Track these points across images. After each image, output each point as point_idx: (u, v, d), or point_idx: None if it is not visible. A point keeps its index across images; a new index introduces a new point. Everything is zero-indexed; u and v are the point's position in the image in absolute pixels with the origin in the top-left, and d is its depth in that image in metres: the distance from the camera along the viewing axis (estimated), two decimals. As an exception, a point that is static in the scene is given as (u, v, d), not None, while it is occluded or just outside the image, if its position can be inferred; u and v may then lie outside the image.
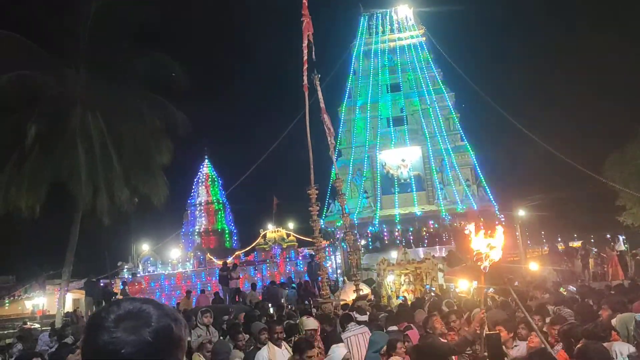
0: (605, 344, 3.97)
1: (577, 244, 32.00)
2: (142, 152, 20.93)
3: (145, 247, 32.11)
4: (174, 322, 1.30)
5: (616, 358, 3.61)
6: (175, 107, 21.57)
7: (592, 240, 31.19)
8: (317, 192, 12.42)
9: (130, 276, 26.76)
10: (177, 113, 21.64)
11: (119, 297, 23.07)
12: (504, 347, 5.94)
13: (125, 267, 28.69)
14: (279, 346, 6.65)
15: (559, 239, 37.02)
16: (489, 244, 5.82)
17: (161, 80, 20.53)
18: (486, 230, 6.02)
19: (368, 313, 9.80)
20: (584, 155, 27.63)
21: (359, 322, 8.44)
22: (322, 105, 15.60)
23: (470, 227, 6.07)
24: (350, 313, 9.35)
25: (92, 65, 20.07)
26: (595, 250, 25.98)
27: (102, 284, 25.30)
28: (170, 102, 21.19)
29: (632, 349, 3.76)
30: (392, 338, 6.12)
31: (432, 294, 14.33)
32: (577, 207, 32.26)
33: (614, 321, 4.95)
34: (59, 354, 7.17)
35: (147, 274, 28.43)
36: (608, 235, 32.64)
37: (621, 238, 30.73)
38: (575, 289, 6.24)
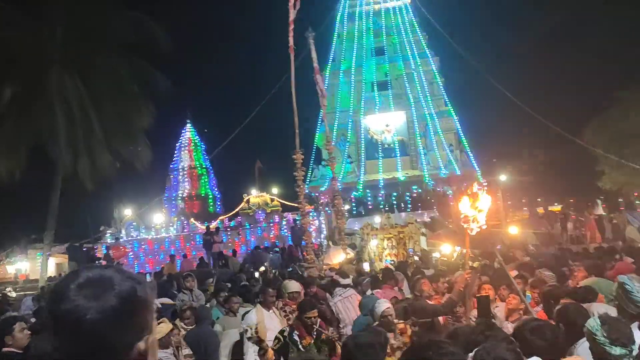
0: (585, 305, 4.07)
1: (556, 208, 32.63)
2: (123, 116, 20.64)
3: (128, 211, 31.96)
4: (138, 285, 1.27)
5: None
6: (157, 70, 21.20)
7: (572, 205, 31.80)
8: (302, 157, 12.38)
9: (113, 240, 26.71)
10: (158, 75, 21.28)
11: (102, 262, 23.08)
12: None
13: (108, 231, 28.57)
14: (268, 309, 6.69)
15: (539, 203, 37.72)
16: (476, 207, 5.88)
17: (141, 42, 20.06)
18: (473, 194, 6.08)
19: (351, 276, 9.93)
20: (566, 120, 27.84)
21: (344, 286, 8.57)
22: (316, 65, 15.35)
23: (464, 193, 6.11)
24: (335, 278, 9.48)
25: (69, 25, 19.49)
26: (574, 214, 26.52)
27: (85, 249, 25.26)
28: (151, 65, 20.78)
29: (612, 311, 3.86)
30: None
31: (416, 257, 14.53)
32: (558, 172, 32.72)
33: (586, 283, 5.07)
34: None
35: (130, 238, 28.37)
36: (587, 200, 33.32)
37: (599, 202, 31.40)
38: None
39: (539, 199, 38.26)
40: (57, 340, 1.21)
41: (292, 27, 13.16)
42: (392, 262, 14.28)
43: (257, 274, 15.67)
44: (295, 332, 5.27)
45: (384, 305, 5.70)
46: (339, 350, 5.10)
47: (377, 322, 5.80)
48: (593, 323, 3.29)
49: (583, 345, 3.44)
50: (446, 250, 13.75)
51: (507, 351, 2.42)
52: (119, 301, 1.21)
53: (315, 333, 5.31)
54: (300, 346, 5.09)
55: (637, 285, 3.93)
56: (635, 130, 25.55)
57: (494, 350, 2.43)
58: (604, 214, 27.72)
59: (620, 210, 29.73)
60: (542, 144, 31.11)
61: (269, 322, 6.55)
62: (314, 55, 14.99)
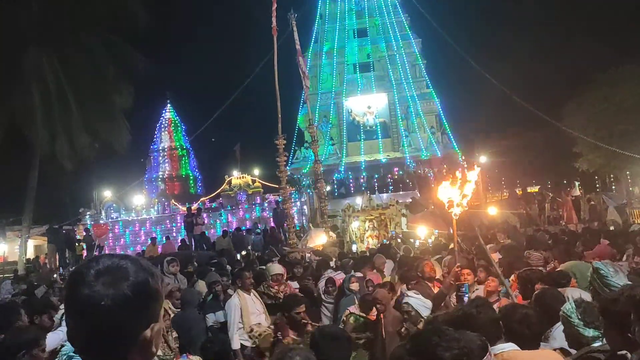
0: (560, 290, 4.20)
1: (534, 189, 33.17)
2: (101, 96, 20.35)
3: (107, 193, 31.65)
4: (151, 276, 1.37)
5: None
6: (136, 50, 20.87)
7: (549, 186, 32.35)
8: (284, 142, 12.37)
9: (92, 222, 26.47)
10: (137, 55, 20.95)
11: (82, 244, 22.88)
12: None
13: (88, 213, 28.27)
14: (249, 292, 6.71)
15: (518, 185, 38.29)
16: (461, 192, 5.96)
17: (120, 22, 19.67)
18: (455, 177, 6.16)
19: (334, 259, 10.04)
20: (544, 102, 28.13)
21: (333, 269, 8.68)
22: (298, 47, 15.23)
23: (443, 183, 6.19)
24: (326, 259, 9.58)
25: (46, 4, 19.01)
26: (552, 195, 26.99)
27: (64, 231, 25.00)
28: (130, 45, 20.44)
29: (585, 295, 3.98)
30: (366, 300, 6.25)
31: (399, 239, 14.69)
32: (536, 154, 33.14)
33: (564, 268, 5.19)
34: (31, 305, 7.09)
35: (110, 220, 28.13)
36: (564, 181, 33.91)
37: (577, 183, 31.99)
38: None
39: (518, 180, 38.83)
40: (71, 321, 1.33)
41: (275, 6, 12.98)
42: (379, 244, 14.40)
43: (239, 256, 15.73)
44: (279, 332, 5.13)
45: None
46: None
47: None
48: (569, 307, 3.41)
49: (558, 329, 3.56)
50: (421, 233, 13.92)
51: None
52: (133, 291, 1.31)
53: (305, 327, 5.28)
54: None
55: (611, 270, 4.06)
56: (611, 112, 25.95)
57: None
58: (580, 194, 28.28)
59: (596, 191, 30.36)
60: (521, 125, 31.42)
61: (252, 306, 6.58)
62: (296, 36, 14.87)
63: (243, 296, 6.61)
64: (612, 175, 32.29)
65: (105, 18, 19.54)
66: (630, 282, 3.94)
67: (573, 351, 3.29)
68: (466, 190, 6.03)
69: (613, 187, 32.07)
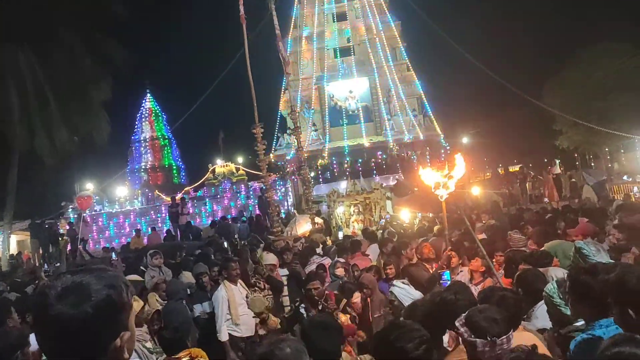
0: (542, 270, 4.28)
1: (516, 168, 33.55)
2: (79, 89, 20.04)
3: (89, 186, 31.32)
4: (114, 290, 1.42)
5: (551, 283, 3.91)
6: (113, 40, 20.54)
7: (530, 164, 32.73)
8: (262, 130, 12.32)
9: (76, 216, 26.20)
10: (115, 46, 20.63)
11: (65, 238, 22.66)
12: (452, 272, 6.30)
13: (70, 207, 27.98)
14: (235, 283, 6.69)
15: (500, 164, 38.67)
16: (446, 174, 6.01)
17: (96, 13, 19.32)
18: (441, 162, 6.23)
19: (321, 246, 10.08)
20: (525, 81, 28.33)
21: (320, 254, 8.72)
22: (278, 32, 15.05)
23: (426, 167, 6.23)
24: (313, 245, 9.61)
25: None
26: (533, 173, 27.33)
27: (47, 225, 24.73)
28: (107, 36, 20.11)
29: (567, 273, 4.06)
30: (347, 287, 6.31)
31: (382, 221, 14.79)
32: (517, 133, 33.45)
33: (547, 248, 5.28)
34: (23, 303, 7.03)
35: (93, 213, 27.88)
36: (545, 159, 34.33)
37: (557, 161, 32.42)
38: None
39: (500, 160, 39.21)
40: (41, 339, 1.40)
41: None
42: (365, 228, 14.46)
43: (225, 244, 15.71)
44: (303, 305, 5.31)
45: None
46: (342, 320, 5.25)
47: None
48: (551, 287, 3.49)
49: (540, 309, 3.64)
50: (405, 217, 14.02)
51: (496, 313, 2.57)
52: (97, 308, 1.37)
53: (320, 306, 5.39)
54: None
55: (593, 250, 4.16)
56: (590, 90, 26.23)
57: (485, 311, 2.58)
58: (561, 172, 28.67)
59: (576, 168, 30.80)
60: (502, 105, 31.68)
61: (239, 296, 6.57)
62: (275, 21, 14.69)
63: (229, 287, 6.56)
64: (591, 153, 32.76)
65: (82, 10, 19.17)
66: (611, 261, 4.04)
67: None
68: (454, 172, 6.09)
69: (592, 164, 32.58)
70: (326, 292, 5.70)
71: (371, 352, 2.72)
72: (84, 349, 1.36)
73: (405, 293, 5.03)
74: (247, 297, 6.54)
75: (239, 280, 6.79)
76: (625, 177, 21.83)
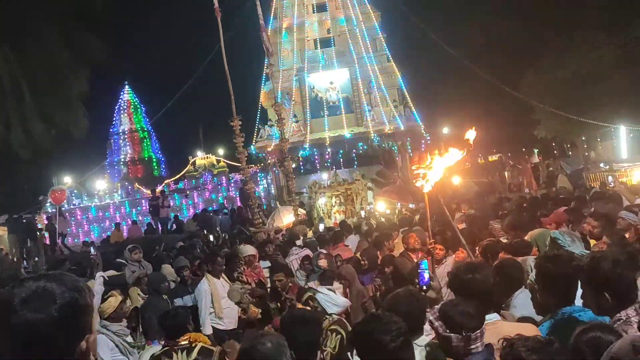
0: (520, 259, 4.35)
1: (495, 157, 33.92)
2: (56, 83, 19.71)
3: (67, 179, 30.90)
4: (78, 293, 1.45)
5: (529, 271, 3.99)
6: (91, 33, 20.19)
7: (509, 154, 33.10)
8: (240, 123, 12.27)
9: (54, 210, 25.85)
10: (92, 39, 20.30)
11: (44, 232, 22.37)
12: (437, 263, 6.36)
13: (48, 201, 27.58)
14: (218, 277, 6.69)
15: (479, 154, 39.03)
16: (428, 165, 6.02)
17: (73, 4, 18.96)
18: (423, 154, 6.24)
19: (302, 237, 10.11)
20: (503, 71, 28.53)
21: (299, 246, 8.74)
22: (262, 22, 14.90)
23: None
24: (293, 237, 9.64)
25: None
26: (512, 162, 27.67)
27: (24, 220, 24.36)
28: (84, 28, 19.76)
29: None
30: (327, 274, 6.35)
31: (363, 213, 14.88)
32: (496, 123, 33.68)
33: (528, 237, 5.36)
34: None
35: (72, 206, 27.54)
36: (524, 149, 34.74)
37: (535, 151, 32.86)
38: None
39: (479, 150, 39.56)
40: (9, 345, 1.40)
41: None
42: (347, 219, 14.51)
43: (211, 237, 15.66)
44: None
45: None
46: (251, 311, 5.27)
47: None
48: (533, 275, 3.55)
49: (518, 298, 3.71)
50: (381, 208, 14.13)
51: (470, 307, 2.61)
52: (61, 313, 1.39)
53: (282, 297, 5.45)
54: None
55: (568, 240, 4.24)
56: (567, 80, 26.55)
57: (460, 305, 2.61)
58: (539, 161, 29.09)
59: (554, 157, 31.26)
60: (482, 95, 31.87)
61: (222, 290, 6.58)
62: (259, 11, 14.54)
63: (212, 281, 6.58)
64: (568, 142, 33.24)
65: (57, 3, 18.80)
66: (586, 251, 4.14)
67: (539, 318, 3.44)
68: (435, 163, 6.10)
69: (570, 153, 33.10)
70: (289, 284, 5.73)
71: (350, 343, 2.75)
72: (52, 353, 1.38)
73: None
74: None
75: (223, 275, 6.79)
76: (602, 165, 22.20)
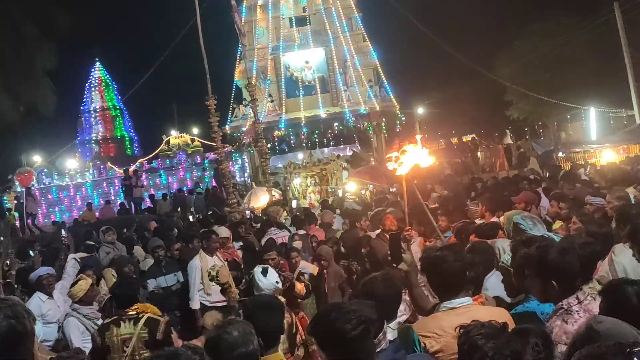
0: (490, 242, 4.44)
1: (469, 138, 34.34)
2: (21, 56, 19.14)
3: (37, 158, 30.23)
4: (16, 320, 1.38)
5: (499, 254, 4.07)
6: (57, 5, 19.61)
7: (482, 135, 33.56)
8: (215, 102, 12.15)
9: (23, 189, 25.27)
10: (58, 11, 19.72)
11: (13, 213, 21.88)
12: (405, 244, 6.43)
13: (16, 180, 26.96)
14: (211, 255, 6.76)
15: (453, 134, 39.46)
16: (402, 150, 6.05)
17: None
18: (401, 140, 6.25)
19: (277, 217, 10.11)
20: (476, 52, 28.78)
21: (278, 226, 8.75)
22: (233, 2, 14.70)
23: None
24: (270, 217, 9.64)
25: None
26: (485, 143, 28.05)
27: (-8, 200, 23.81)
28: (50, 1, 19.18)
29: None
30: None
31: (340, 193, 14.93)
32: (470, 103, 34.08)
33: (502, 219, 5.45)
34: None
35: (42, 185, 26.99)
36: (496, 130, 35.25)
37: (508, 132, 33.33)
38: None
39: (453, 130, 40.00)
40: None
41: None
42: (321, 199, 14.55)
43: (191, 218, 15.58)
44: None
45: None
46: (298, 289, 5.33)
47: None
48: (507, 257, 3.63)
49: (490, 279, 3.80)
50: (352, 188, 14.24)
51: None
52: None
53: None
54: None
55: (530, 224, 4.32)
56: (538, 62, 26.93)
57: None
58: (511, 142, 29.54)
59: (525, 138, 31.78)
60: (455, 76, 32.14)
61: (207, 266, 6.65)
62: None
63: (205, 257, 6.67)
64: (540, 123, 33.83)
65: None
66: (549, 233, 4.24)
67: (509, 300, 3.54)
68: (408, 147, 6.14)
69: (541, 134, 33.68)
70: (281, 262, 5.80)
71: (310, 333, 2.77)
72: None
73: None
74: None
75: (217, 253, 6.88)
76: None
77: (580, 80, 25.54)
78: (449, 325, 2.67)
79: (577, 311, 2.55)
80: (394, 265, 3.58)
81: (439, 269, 2.98)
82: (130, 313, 4.21)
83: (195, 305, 6.56)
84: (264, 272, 5.29)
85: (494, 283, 3.73)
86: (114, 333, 4.15)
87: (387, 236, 6.66)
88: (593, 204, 5.86)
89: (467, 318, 2.30)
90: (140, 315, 4.15)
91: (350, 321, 2.31)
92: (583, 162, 17.12)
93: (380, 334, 2.70)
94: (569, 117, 30.03)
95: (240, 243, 8.15)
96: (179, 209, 19.22)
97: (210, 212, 14.02)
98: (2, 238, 18.22)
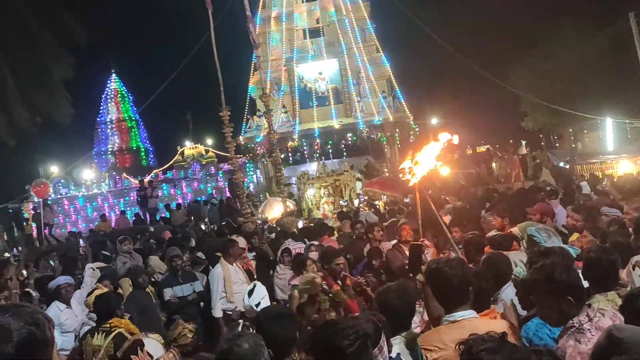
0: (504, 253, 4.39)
1: (483, 148, 34.13)
2: (39, 68, 19.45)
3: (54, 169, 30.61)
4: (35, 327, 1.38)
5: (514, 266, 4.03)
6: (74, 18, 19.93)
7: (497, 145, 33.35)
8: (229, 113, 12.27)
9: (40, 200, 25.60)
10: (76, 23, 20.03)
11: (31, 223, 22.16)
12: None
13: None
14: (232, 263, 6.83)
15: (468, 145, 39.24)
16: (415, 160, 6.03)
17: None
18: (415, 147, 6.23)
19: (292, 229, 10.12)
20: (491, 62, 28.67)
21: (294, 238, 8.75)
22: (248, 13, 14.81)
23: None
24: (286, 229, 9.65)
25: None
26: (500, 154, 27.85)
27: (10, 210, 24.15)
28: (68, 13, 19.49)
29: (523, 256, 4.18)
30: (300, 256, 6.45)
31: (363, 205, 14.86)
32: (484, 114, 33.94)
33: (516, 230, 5.40)
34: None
35: (59, 196, 27.31)
36: (511, 140, 35.00)
37: (523, 142, 33.07)
38: None
39: (467, 141, 39.79)
40: None
41: None
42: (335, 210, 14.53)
43: (203, 227, 15.66)
44: (324, 282, 5.39)
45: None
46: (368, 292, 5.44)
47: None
48: (520, 270, 3.59)
49: (506, 292, 3.76)
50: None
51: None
52: (18, 349, 1.33)
53: (339, 281, 5.55)
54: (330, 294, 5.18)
55: (544, 236, 4.27)
56: (553, 71, 26.73)
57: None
58: (526, 152, 29.28)
59: (541, 149, 31.50)
60: (469, 86, 32.06)
61: (234, 275, 6.72)
62: (246, 2, 14.46)
63: (226, 265, 6.74)
64: (556, 133, 33.53)
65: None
66: (564, 245, 4.19)
67: (524, 313, 3.49)
68: (421, 157, 6.11)
69: (557, 145, 33.38)
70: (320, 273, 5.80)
71: (308, 352, 2.76)
72: None
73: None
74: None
75: (237, 261, 6.99)
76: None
77: (596, 90, 25.29)
78: (450, 338, 2.65)
79: (589, 329, 2.46)
80: (411, 275, 3.56)
81: (440, 281, 2.95)
82: (105, 326, 4.31)
83: (217, 313, 6.60)
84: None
85: (510, 295, 3.70)
86: (88, 342, 4.29)
87: (403, 246, 6.66)
88: (609, 215, 5.78)
89: (469, 331, 2.27)
90: (112, 330, 4.23)
91: (347, 337, 2.32)
92: (600, 173, 16.93)
93: (376, 348, 2.68)
94: (585, 129, 29.74)
95: (254, 253, 8.17)
96: (192, 219, 19.34)
97: (224, 223, 14.07)
98: (19, 248, 18.49)
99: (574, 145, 30.27)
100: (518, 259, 4.05)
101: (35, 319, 1.39)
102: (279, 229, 10.15)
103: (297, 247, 8.11)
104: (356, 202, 15.04)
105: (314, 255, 7.29)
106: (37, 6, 18.86)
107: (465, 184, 16.72)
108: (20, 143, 21.32)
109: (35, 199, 25.79)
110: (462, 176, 20.60)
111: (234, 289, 6.63)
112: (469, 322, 2.84)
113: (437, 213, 6.20)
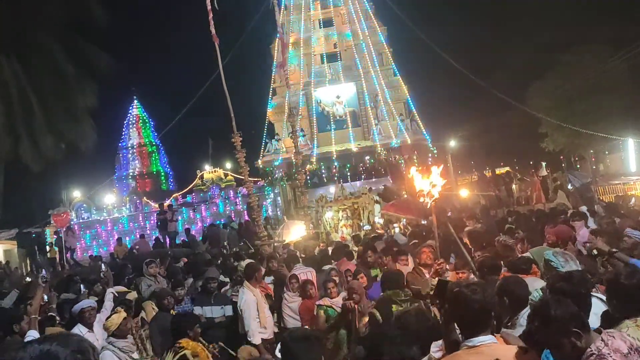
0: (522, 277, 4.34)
1: (502, 170, 33.84)
2: (64, 96, 19.94)
3: (76, 193, 31.11)
4: (82, 355, 1.41)
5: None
6: (97, 47, 20.48)
7: (517, 167, 33.04)
8: (241, 139, 12.49)
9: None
10: (99, 52, 20.56)
11: (54, 247, 22.45)
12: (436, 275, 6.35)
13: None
14: (255, 287, 6.82)
15: (487, 167, 38.97)
16: (431, 182, 6.05)
17: (77, 19, 19.28)
18: (423, 169, 6.25)
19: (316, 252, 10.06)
20: (510, 84, 28.63)
21: (304, 263, 8.70)
22: (280, 34, 15.00)
23: (412, 170, 6.25)
24: (296, 253, 9.61)
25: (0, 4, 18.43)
26: (520, 175, 27.58)
27: (33, 235, 24.52)
28: (91, 42, 20.05)
29: (539, 283, 4.12)
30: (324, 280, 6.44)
31: (367, 227, 14.83)
32: (503, 136, 33.76)
33: (529, 254, 5.34)
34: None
35: (81, 220, 27.70)
36: (531, 162, 34.66)
37: (543, 164, 32.73)
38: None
39: (487, 163, 39.54)
40: None
41: (211, 15, 12.77)
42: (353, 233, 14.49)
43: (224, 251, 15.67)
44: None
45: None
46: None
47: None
48: (537, 295, 3.55)
49: (524, 316, 3.70)
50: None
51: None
52: None
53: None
54: None
55: (561, 260, 4.22)
56: (573, 92, 26.58)
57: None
58: (547, 174, 28.92)
59: (562, 170, 31.11)
60: (488, 108, 31.98)
61: (261, 299, 6.74)
62: (279, 28, 14.81)
63: (255, 290, 6.73)
64: (576, 155, 33.15)
65: (63, 16, 19.08)
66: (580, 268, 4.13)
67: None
68: (435, 179, 6.13)
69: (578, 166, 32.96)
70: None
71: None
72: None
73: None
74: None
75: (258, 286, 7.00)
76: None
77: (616, 111, 25.04)
78: None
79: (608, 354, 2.44)
80: (438, 308, 3.55)
81: (461, 305, 2.89)
82: (176, 345, 4.55)
83: (256, 340, 6.44)
84: None
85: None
86: (163, 356, 4.64)
87: (423, 271, 6.62)
88: (632, 237, 5.69)
89: (487, 357, 2.23)
90: (180, 350, 4.41)
91: (391, 353, 2.31)
92: (622, 194, 16.65)
93: None
94: (606, 150, 29.36)
95: (272, 277, 8.15)
96: (207, 242, 19.41)
97: (241, 244, 14.11)
98: (43, 271, 18.74)
99: (594, 167, 29.87)
100: (530, 284, 3.99)
101: (82, 347, 1.43)
102: (297, 252, 10.10)
103: (305, 271, 8.02)
104: (366, 226, 15.01)
105: (336, 279, 7.24)
106: (64, 38, 19.45)
107: (486, 204, 16.56)
108: (44, 169, 21.76)
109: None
110: (482, 198, 20.43)
111: (266, 313, 6.66)
112: (488, 347, 2.78)
113: (455, 234, 6.19)
